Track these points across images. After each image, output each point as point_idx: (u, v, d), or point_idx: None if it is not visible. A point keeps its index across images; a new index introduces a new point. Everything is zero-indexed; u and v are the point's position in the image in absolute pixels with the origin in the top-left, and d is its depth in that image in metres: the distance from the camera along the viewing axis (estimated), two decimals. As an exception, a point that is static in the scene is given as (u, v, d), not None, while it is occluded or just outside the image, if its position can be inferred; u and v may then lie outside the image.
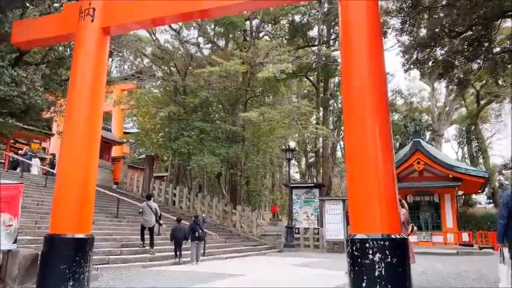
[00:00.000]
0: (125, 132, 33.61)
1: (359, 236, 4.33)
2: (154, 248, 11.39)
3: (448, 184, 20.37)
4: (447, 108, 35.08)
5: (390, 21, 11.62)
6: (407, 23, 9.13)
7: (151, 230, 11.50)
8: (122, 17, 7.62)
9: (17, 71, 8.62)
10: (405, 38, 10.17)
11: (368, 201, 4.53)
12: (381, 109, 4.85)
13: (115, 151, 29.35)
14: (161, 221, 12.63)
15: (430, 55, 9.72)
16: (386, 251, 4.18)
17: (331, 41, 25.83)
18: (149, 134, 26.61)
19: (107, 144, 26.85)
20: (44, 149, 27.30)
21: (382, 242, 4.21)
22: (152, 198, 12.32)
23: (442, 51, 10.02)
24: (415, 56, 9.81)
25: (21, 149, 21.92)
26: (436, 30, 9.35)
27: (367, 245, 4.21)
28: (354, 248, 4.28)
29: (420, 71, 10.63)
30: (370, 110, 4.81)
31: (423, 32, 9.72)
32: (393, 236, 4.28)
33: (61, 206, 6.33)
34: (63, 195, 6.36)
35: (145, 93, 24.86)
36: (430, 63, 10.05)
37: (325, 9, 23.75)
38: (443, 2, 9.00)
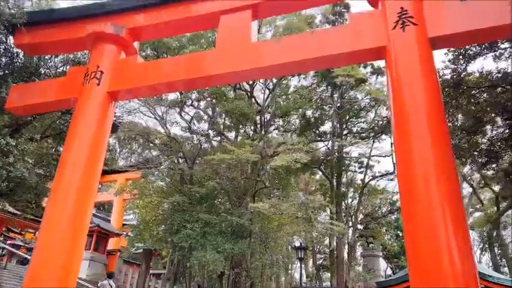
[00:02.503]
0: (124, 224, 31.89)
1: None
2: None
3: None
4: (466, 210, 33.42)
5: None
6: (449, 104, 8.26)
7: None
8: (131, 81, 6.83)
9: (6, 139, 7.58)
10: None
11: None
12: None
13: (111, 243, 27.43)
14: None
15: (472, 142, 8.68)
16: None
17: (344, 136, 25.31)
18: (149, 226, 24.95)
19: (104, 236, 25.16)
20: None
21: None
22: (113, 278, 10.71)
23: (484, 139, 8.98)
24: (455, 142, 8.79)
25: (14, 239, 20.47)
26: (478, 115, 8.41)
27: None
28: None
29: (461, 160, 9.52)
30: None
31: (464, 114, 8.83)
32: None
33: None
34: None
35: (150, 182, 23.87)
36: (472, 151, 8.97)
37: (338, 104, 23.60)
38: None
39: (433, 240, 4.20)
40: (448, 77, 8.53)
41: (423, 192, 4.46)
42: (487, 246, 32.63)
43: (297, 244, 21.99)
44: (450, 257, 4.06)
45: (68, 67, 9.71)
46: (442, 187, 4.41)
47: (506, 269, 31.40)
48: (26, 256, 19.35)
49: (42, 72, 9.71)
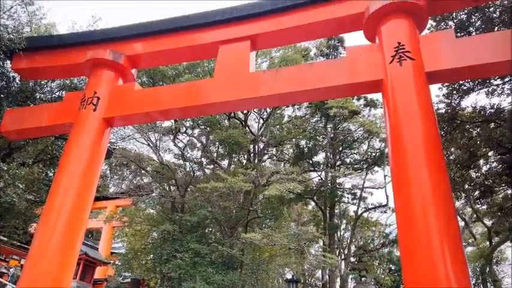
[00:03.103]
0: (112, 253, 31.11)
1: None
2: None
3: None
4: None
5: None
6: (443, 138, 8.33)
7: None
8: (127, 107, 6.82)
9: (-3, 163, 7.45)
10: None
11: None
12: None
13: (98, 272, 26.65)
14: None
15: (466, 176, 8.70)
16: None
17: (337, 166, 25.31)
18: (138, 255, 24.37)
19: (91, 264, 24.46)
20: (22, 266, 24.68)
21: None
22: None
23: (478, 174, 9.01)
24: (449, 176, 8.78)
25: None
26: (472, 149, 8.47)
27: None
28: None
29: (455, 194, 9.51)
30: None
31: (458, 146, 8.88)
32: None
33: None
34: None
35: (141, 210, 23.49)
36: (466, 185, 8.97)
37: (332, 135, 23.73)
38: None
39: (432, 273, 4.12)
40: (443, 111, 8.66)
41: (421, 224, 4.42)
42: (479, 281, 32.24)
43: (289, 277, 21.49)
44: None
45: (64, 92, 9.71)
46: (441, 219, 4.37)
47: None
48: (8, 284, 18.69)
49: (38, 97, 9.68)
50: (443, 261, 4.16)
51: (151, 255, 23.11)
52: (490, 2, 7.90)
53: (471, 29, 8.61)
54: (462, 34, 8.25)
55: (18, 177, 8.38)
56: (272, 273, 23.43)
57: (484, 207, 10.95)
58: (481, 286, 32.55)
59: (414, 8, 5.84)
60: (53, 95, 9.83)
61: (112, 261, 29.01)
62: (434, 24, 9.13)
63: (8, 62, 8.30)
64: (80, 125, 6.62)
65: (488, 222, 26.77)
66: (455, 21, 8.74)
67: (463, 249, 4.56)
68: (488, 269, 30.63)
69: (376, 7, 5.93)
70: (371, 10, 6.01)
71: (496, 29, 8.19)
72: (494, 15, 8.33)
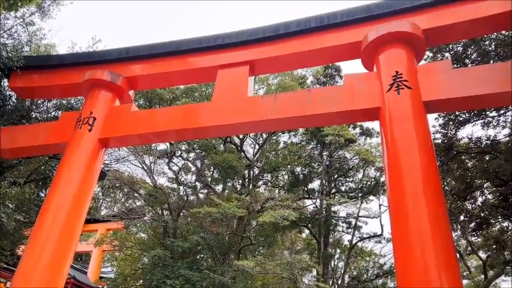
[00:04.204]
0: (101, 277, 30.34)
1: None
2: None
3: None
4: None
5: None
6: (439, 168, 8.29)
7: None
8: (123, 129, 6.77)
9: (-13, 183, 7.29)
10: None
11: None
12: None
13: (86, 298, 25.90)
14: None
15: (462, 207, 8.63)
16: None
17: (332, 194, 25.17)
18: (127, 281, 23.77)
19: (78, 289, 23.85)
20: (7, 290, 23.93)
21: None
22: None
23: (474, 205, 8.95)
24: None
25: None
26: (468, 180, 8.44)
27: None
28: None
29: (451, 226, 9.40)
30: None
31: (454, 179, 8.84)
32: None
33: None
34: None
35: (132, 234, 23.05)
36: (461, 217, 8.90)
37: (327, 163, 23.72)
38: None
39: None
40: (439, 141, 8.67)
41: (419, 257, 4.32)
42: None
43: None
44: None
45: (60, 112, 9.64)
46: (438, 249, 4.28)
47: None
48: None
49: (34, 116, 9.61)
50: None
51: (141, 281, 22.54)
52: (485, 35, 8.07)
53: (467, 61, 8.75)
54: (458, 66, 8.37)
55: (8, 196, 8.21)
56: (264, 303, 22.84)
57: (480, 239, 10.83)
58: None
59: (412, 38, 5.92)
60: (49, 115, 9.77)
61: (100, 286, 28.26)
62: (431, 55, 9.29)
63: (6, 80, 8.27)
64: (74, 144, 6.54)
65: (483, 255, 26.50)
66: (451, 52, 8.89)
67: (462, 283, 4.47)
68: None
69: (375, 36, 6.01)
70: (369, 39, 6.08)
71: (491, 62, 8.33)
72: (490, 48, 8.49)
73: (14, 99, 9.19)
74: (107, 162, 16.84)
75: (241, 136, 24.14)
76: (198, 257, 22.00)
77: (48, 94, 8.60)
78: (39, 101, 9.85)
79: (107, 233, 25.97)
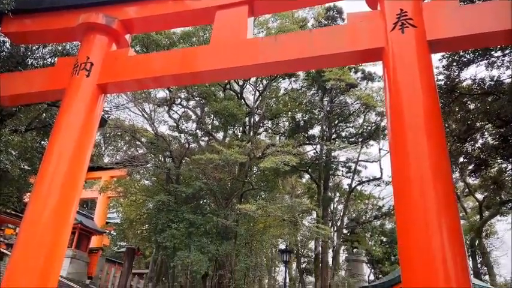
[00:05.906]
0: (107, 222, 31.35)
1: None
2: None
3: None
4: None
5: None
6: (441, 110, 8.24)
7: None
8: (121, 74, 6.62)
9: (-10, 129, 7.30)
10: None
11: None
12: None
13: (94, 242, 26.94)
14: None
15: (461, 149, 8.68)
16: None
17: (332, 140, 25.32)
18: (133, 225, 24.57)
19: (86, 234, 24.71)
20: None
21: None
22: None
23: (474, 147, 8.99)
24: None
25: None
26: (469, 122, 8.42)
27: None
28: None
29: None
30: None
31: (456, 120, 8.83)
32: None
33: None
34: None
35: (135, 181, 23.49)
36: (461, 159, 8.98)
37: (328, 108, 23.62)
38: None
39: (428, 245, 4.12)
40: (442, 82, 8.55)
41: (418, 197, 4.38)
42: (469, 254, 32.93)
43: (283, 247, 21.85)
44: (444, 265, 4.00)
45: (56, 59, 9.44)
46: (439, 192, 4.34)
47: (487, 277, 31.76)
48: (6, 252, 18.79)
49: (29, 62, 9.42)
50: (439, 234, 4.15)
51: (147, 225, 23.30)
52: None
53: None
54: (466, 2, 8.06)
55: (11, 144, 8.25)
56: (266, 244, 23.80)
57: (477, 181, 11.01)
58: (471, 258, 33.32)
59: (418, -27, 5.63)
60: (45, 61, 9.58)
61: (107, 231, 29.27)
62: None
63: (-2, 25, 8.01)
64: (72, 91, 6.44)
65: (480, 196, 27.13)
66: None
67: (460, 222, 4.56)
68: (477, 242, 31.32)
69: (379, -28, 5.73)
70: (373, -25, 5.80)
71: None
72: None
73: (8, 46, 8.98)
74: (107, 109, 16.76)
75: (241, 82, 23.88)
76: (201, 202, 22.56)
77: (42, 39, 8.35)
78: (34, 47, 9.63)
79: (111, 180, 26.51)
